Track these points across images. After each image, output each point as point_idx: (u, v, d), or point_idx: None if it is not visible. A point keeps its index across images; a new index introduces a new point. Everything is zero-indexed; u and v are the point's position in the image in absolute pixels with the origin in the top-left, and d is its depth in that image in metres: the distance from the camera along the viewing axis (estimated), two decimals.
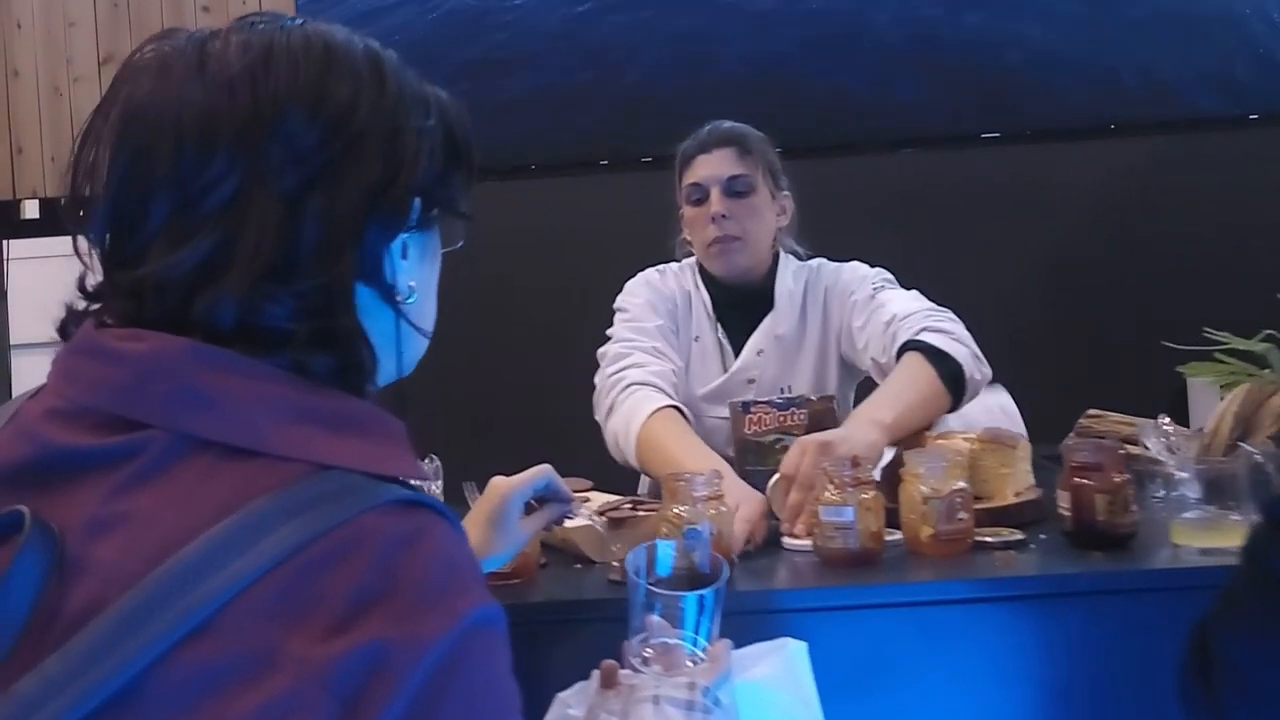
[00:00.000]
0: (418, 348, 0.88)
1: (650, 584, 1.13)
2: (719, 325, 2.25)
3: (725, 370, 2.22)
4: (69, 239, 0.81)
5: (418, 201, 0.82)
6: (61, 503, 0.71)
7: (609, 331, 2.21)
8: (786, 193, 2.27)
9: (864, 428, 1.73)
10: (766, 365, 2.20)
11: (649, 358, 2.10)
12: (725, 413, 2.14)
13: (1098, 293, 3.59)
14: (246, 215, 0.74)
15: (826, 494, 1.48)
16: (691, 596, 1.10)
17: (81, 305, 0.82)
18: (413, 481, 0.77)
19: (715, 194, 2.17)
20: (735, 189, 2.17)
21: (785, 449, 1.73)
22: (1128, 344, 3.49)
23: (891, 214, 3.54)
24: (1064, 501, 1.51)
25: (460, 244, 0.92)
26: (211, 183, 0.75)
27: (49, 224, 5.20)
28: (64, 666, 0.64)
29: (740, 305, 2.24)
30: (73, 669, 0.64)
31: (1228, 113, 3.58)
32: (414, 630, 0.65)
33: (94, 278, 0.81)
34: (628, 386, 2.02)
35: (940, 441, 1.71)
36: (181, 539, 0.67)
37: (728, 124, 2.25)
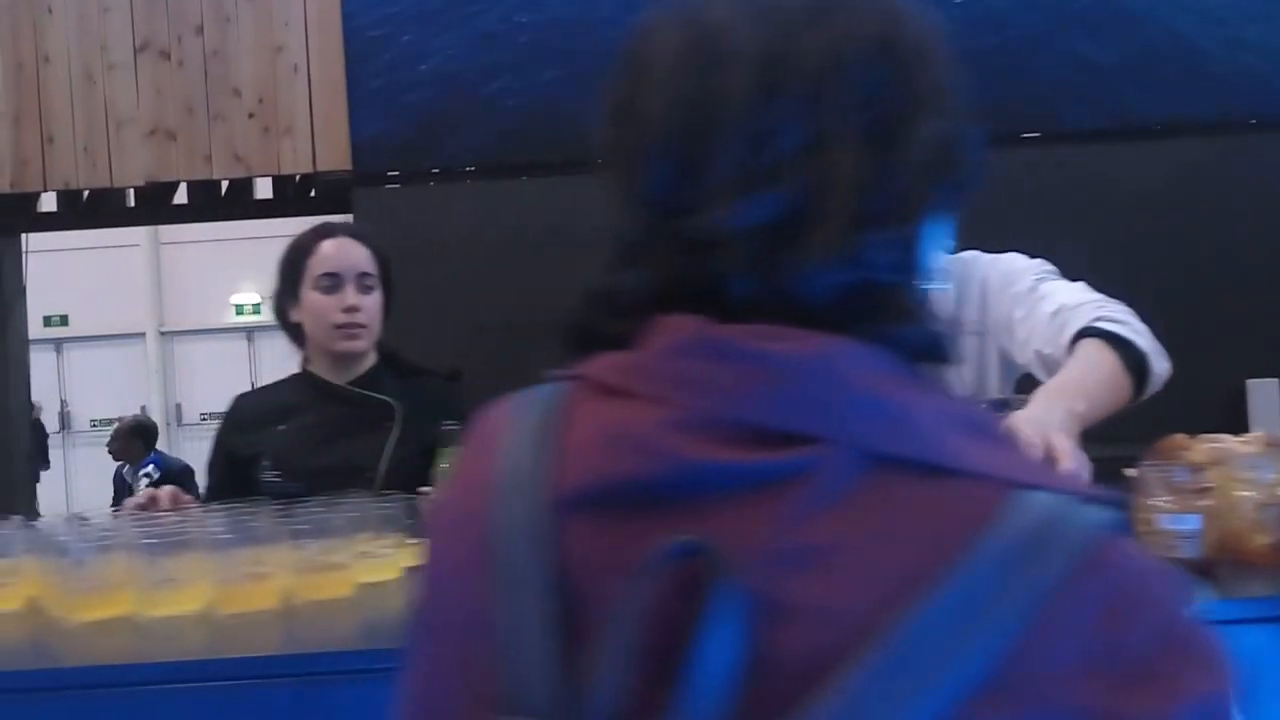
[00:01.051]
0: None
1: None
2: None
3: None
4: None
5: (967, 170, 0.73)
6: (717, 528, 0.61)
7: None
8: None
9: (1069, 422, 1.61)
10: None
11: None
12: None
13: (1157, 295, 3.54)
14: (826, 163, 0.65)
15: (1163, 500, 1.39)
16: None
17: (619, 283, 0.71)
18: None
19: None
20: None
21: None
22: (1184, 349, 3.45)
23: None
24: None
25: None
26: (781, 125, 0.66)
27: (69, 216, 4.98)
28: None
29: None
30: None
31: None
32: (1219, 678, 0.60)
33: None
34: None
35: (1214, 445, 1.62)
36: (907, 579, 0.58)
37: None
